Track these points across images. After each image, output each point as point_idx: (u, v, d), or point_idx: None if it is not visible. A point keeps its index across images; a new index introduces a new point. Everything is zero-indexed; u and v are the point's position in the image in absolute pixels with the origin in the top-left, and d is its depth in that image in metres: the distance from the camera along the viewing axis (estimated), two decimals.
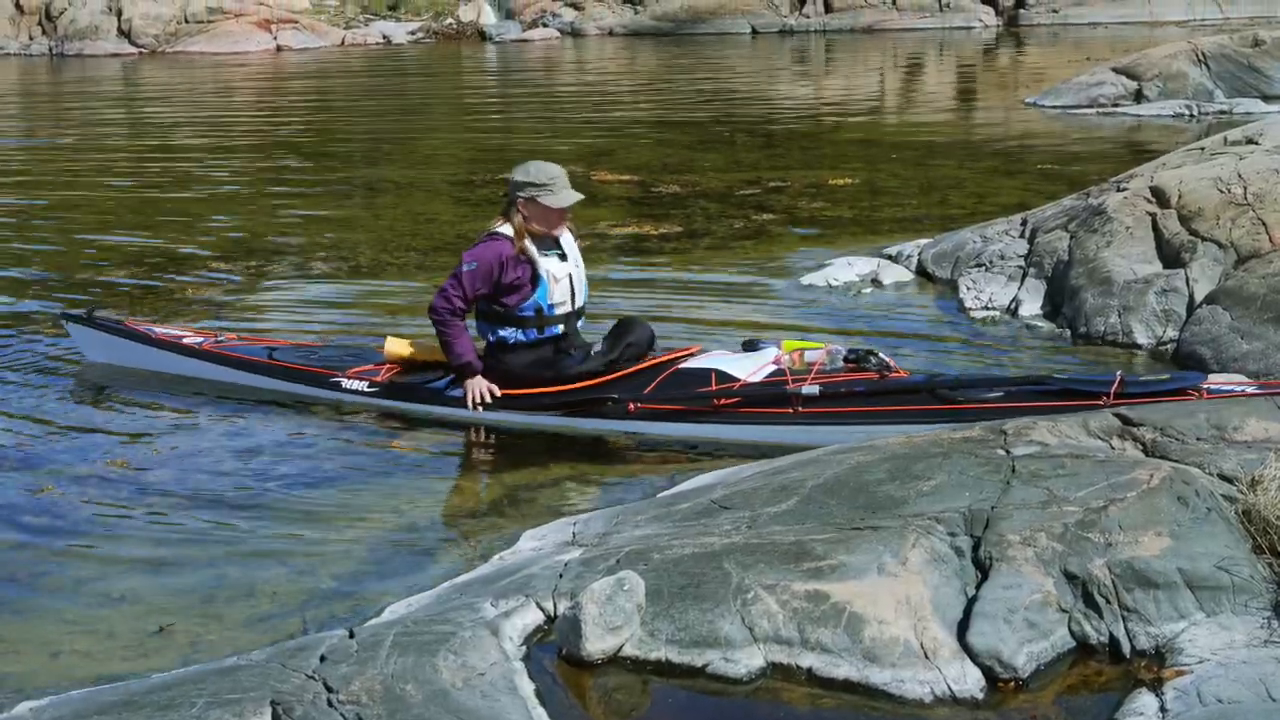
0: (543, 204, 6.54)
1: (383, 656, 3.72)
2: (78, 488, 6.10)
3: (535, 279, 6.52)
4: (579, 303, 6.72)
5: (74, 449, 6.61)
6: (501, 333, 6.65)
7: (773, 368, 6.44)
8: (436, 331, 6.63)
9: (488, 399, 6.58)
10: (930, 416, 6.01)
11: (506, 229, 6.57)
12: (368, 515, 5.70)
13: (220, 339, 7.51)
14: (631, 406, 6.42)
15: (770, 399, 6.30)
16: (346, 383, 6.95)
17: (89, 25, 36.04)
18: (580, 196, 6.71)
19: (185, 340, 7.48)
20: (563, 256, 6.68)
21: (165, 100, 24.59)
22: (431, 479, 6.13)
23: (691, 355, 6.62)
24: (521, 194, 6.56)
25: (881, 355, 6.41)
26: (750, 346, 6.70)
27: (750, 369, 6.43)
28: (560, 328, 6.65)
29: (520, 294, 6.53)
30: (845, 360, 6.42)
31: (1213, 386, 5.87)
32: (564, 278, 6.62)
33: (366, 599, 4.88)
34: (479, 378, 6.61)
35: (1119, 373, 6.08)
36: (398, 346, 7.01)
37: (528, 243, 6.53)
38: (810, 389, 6.22)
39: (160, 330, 7.66)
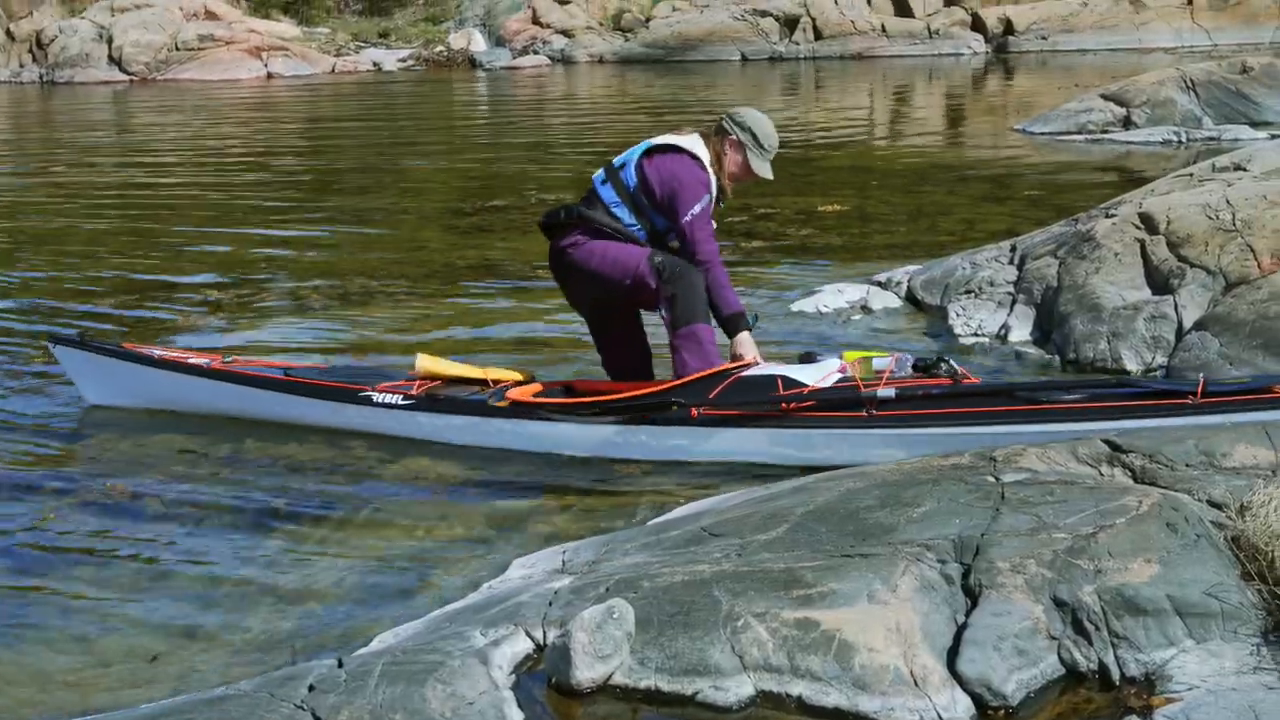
0: (749, 161, 6.58)
1: (371, 686, 3.71)
2: (71, 515, 6.09)
3: None
4: None
5: (67, 476, 6.60)
6: (629, 220, 6.65)
7: (839, 375, 6.31)
8: (710, 277, 6.53)
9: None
10: (1012, 418, 5.87)
11: (704, 155, 6.57)
12: (356, 544, 5.69)
13: (229, 360, 7.27)
14: (695, 412, 6.24)
15: (842, 402, 6.14)
16: (378, 396, 6.72)
17: (80, 53, 36.10)
18: (772, 176, 6.76)
19: (191, 361, 7.21)
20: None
21: (155, 127, 24.61)
22: (420, 506, 6.11)
23: (749, 366, 6.43)
24: (740, 135, 6.58)
25: (951, 362, 6.29)
26: (808, 359, 6.57)
27: (817, 376, 6.28)
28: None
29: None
30: (914, 368, 6.29)
31: None
32: None
33: (355, 628, 4.87)
34: (749, 336, 6.55)
35: (1202, 375, 6.05)
36: (430, 363, 6.85)
37: (713, 193, 6.56)
38: (886, 392, 6.07)
39: (162, 353, 7.38)
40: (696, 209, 6.48)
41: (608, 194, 6.68)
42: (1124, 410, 5.76)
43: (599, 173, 6.79)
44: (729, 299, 6.57)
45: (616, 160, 6.75)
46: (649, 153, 6.66)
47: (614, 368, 7.01)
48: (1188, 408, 5.63)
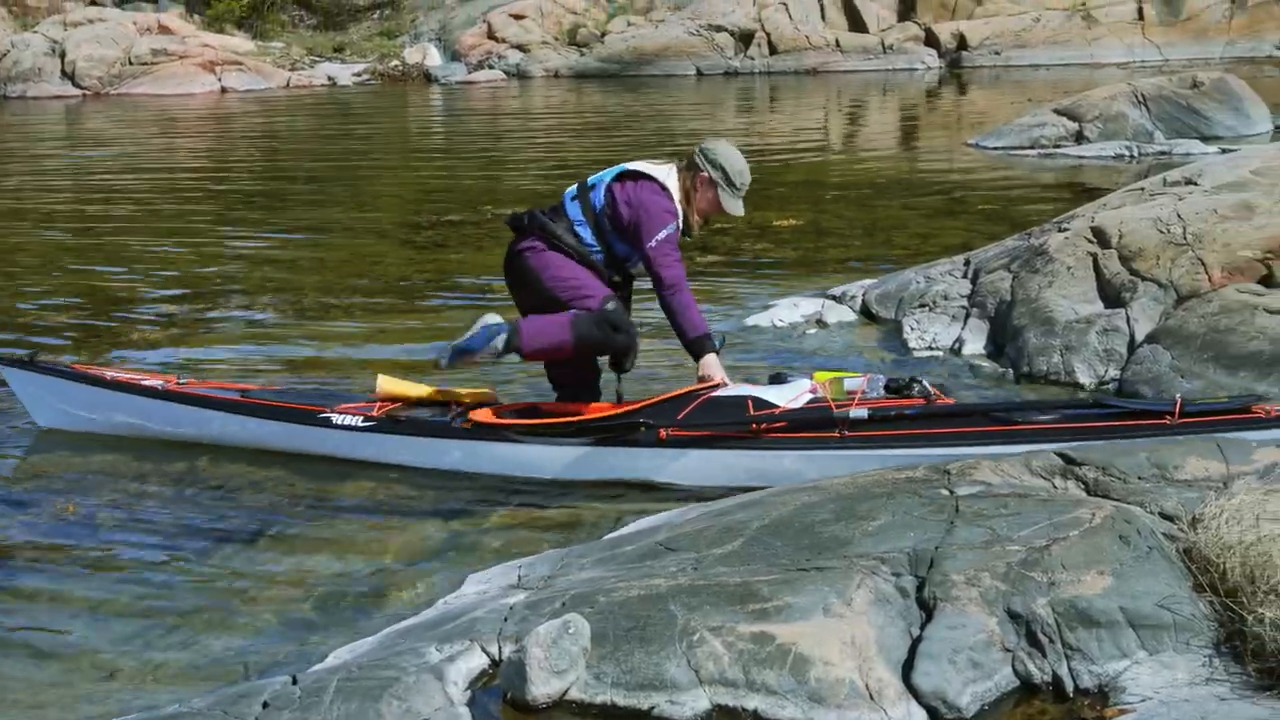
0: (720, 199, 6.59)
1: (326, 703, 3.69)
2: (24, 533, 6.04)
3: None
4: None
5: (20, 494, 6.55)
6: (589, 240, 6.63)
7: (810, 396, 6.24)
8: (675, 301, 6.46)
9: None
10: (987, 439, 5.79)
11: (673, 187, 6.58)
12: (311, 560, 5.67)
13: (183, 381, 7.14)
14: (663, 433, 6.16)
15: (814, 423, 6.07)
16: (337, 418, 6.60)
17: (32, 67, 35.81)
18: (743, 212, 6.76)
19: (145, 383, 7.05)
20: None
21: (109, 142, 24.47)
22: (375, 523, 6.09)
23: (718, 387, 6.34)
24: (712, 173, 6.56)
25: (925, 383, 6.23)
26: (778, 380, 6.49)
27: (788, 397, 6.21)
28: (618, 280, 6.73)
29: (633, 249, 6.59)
30: (886, 388, 6.23)
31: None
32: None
33: (310, 644, 4.85)
34: (716, 358, 6.45)
35: (1179, 395, 6.03)
36: (391, 384, 6.75)
37: (680, 224, 6.56)
38: (858, 412, 6.01)
39: (114, 374, 7.23)
40: (661, 235, 6.46)
41: (574, 210, 6.69)
42: (1100, 431, 5.74)
43: (572, 188, 6.79)
44: (695, 321, 6.49)
45: (591, 179, 6.76)
46: (621, 177, 6.66)
47: (561, 382, 6.99)
48: (1165, 429, 5.62)
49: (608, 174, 6.72)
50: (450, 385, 7.04)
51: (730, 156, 6.64)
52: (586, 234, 6.63)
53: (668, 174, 6.63)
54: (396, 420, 6.61)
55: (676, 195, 6.58)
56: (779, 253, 11.93)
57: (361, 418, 6.61)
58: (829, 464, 5.90)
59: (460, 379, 7.36)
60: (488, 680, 3.95)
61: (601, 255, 6.64)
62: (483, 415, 6.54)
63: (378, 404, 6.71)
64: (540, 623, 3.94)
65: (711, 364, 6.45)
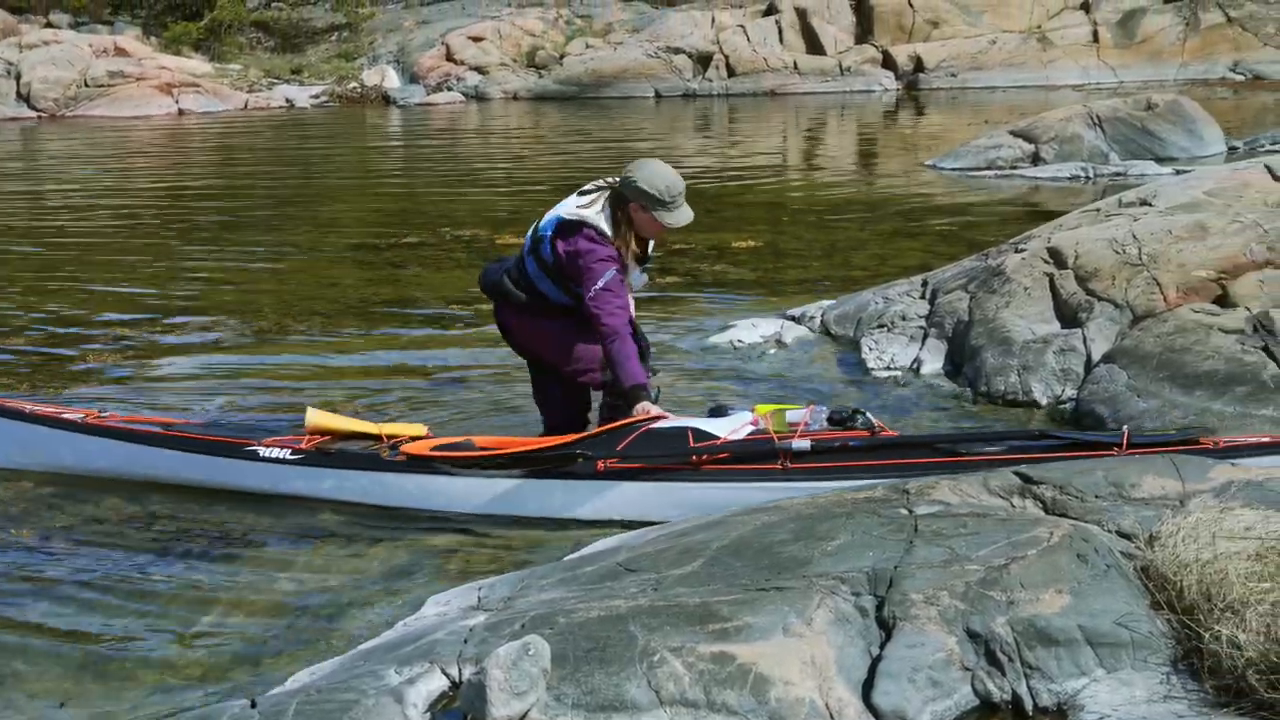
0: (657, 219, 6.49)
1: None
2: None
3: None
4: (630, 313, 6.67)
5: None
6: (552, 293, 6.64)
7: (752, 428, 6.16)
8: (614, 349, 6.38)
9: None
10: (930, 470, 5.66)
11: (606, 227, 6.49)
12: (270, 583, 5.64)
13: (105, 413, 6.92)
14: (601, 465, 6.05)
15: (755, 454, 5.98)
16: (264, 451, 6.42)
17: None
18: (693, 216, 6.61)
19: (64, 416, 6.81)
20: (644, 268, 6.70)
21: (65, 164, 24.35)
22: (333, 545, 6.06)
23: (659, 419, 6.22)
24: (638, 201, 6.46)
25: (868, 415, 6.13)
26: (719, 412, 6.42)
27: (729, 429, 6.13)
28: None
29: None
30: (829, 420, 6.15)
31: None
32: (631, 296, 6.64)
33: (269, 667, 4.82)
34: (649, 405, 6.35)
35: (1126, 428, 6.02)
36: (321, 417, 6.58)
37: (630, 263, 6.54)
38: (800, 444, 5.93)
39: (33, 407, 6.98)
40: (600, 284, 6.39)
41: (531, 266, 6.68)
42: (1046, 463, 5.70)
43: (527, 239, 6.76)
44: (633, 371, 6.42)
45: (541, 226, 6.67)
46: (560, 230, 6.57)
47: (551, 424, 6.97)
48: (1112, 461, 5.62)
49: (549, 224, 6.63)
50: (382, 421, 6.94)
51: (652, 176, 6.49)
52: (549, 287, 6.67)
53: (600, 212, 6.53)
54: (326, 453, 6.45)
55: (611, 234, 6.52)
56: (738, 273, 11.95)
57: (289, 450, 6.46)
58: (770, 496, 5.72)
59: (414, 397, 7.35)
60: (448, 702, 3.94)
61: (571, 301, 6.65)
62: (416, 448, 6.38)
63: (306, 437, 6.56)
64: (500, 644, 3.93)
65: (646, 409, 6.37)
